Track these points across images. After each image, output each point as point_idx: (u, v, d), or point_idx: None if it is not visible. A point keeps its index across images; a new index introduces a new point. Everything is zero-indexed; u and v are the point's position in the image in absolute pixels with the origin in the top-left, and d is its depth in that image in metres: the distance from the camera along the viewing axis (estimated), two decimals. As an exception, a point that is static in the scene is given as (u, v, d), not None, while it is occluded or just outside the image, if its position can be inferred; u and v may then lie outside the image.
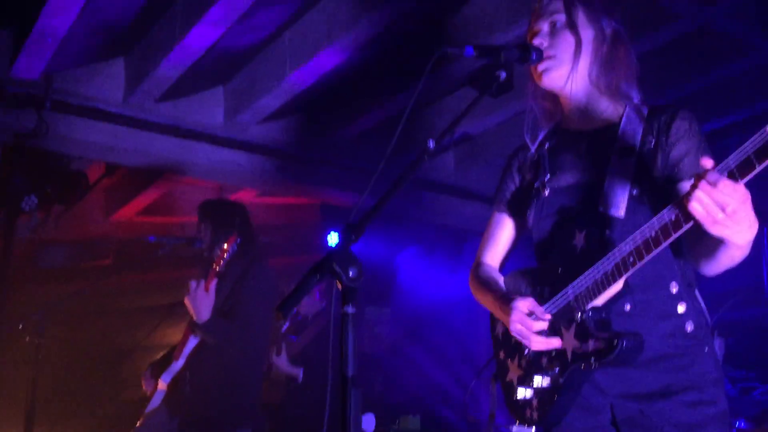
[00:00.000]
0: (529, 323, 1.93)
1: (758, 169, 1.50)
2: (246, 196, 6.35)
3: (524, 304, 1.95)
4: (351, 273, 1.59)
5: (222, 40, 4.20)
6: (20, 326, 4.53)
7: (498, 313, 2.09)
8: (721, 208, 1.55)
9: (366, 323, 7.68)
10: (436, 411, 6.55)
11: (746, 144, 1.51)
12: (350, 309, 1.59)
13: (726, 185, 1.53)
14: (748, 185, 1.57)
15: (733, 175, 1.53)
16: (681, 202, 1.63)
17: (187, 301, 3.57)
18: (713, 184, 1.53)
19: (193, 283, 3.54)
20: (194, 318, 3.57)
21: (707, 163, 1.57)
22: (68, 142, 4.76)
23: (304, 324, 5.16)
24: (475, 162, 6.02)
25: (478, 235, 2.43)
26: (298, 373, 4.96)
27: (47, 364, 4.77)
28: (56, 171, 4.89)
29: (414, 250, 7.33)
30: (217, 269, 3.55)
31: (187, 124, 5.00)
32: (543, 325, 1.94)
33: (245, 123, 5.10)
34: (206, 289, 3.52)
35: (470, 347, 6.57)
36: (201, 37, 4.03)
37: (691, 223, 1.63)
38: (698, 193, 1.56)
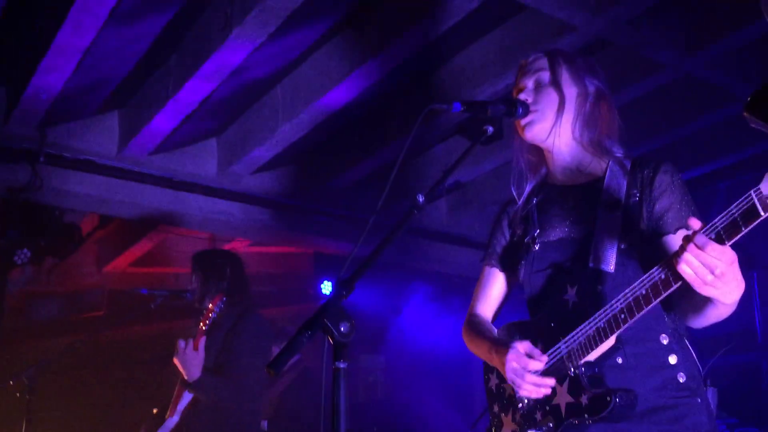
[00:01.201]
0: (525, 361, 1.92)
1: (744, 232, 1.54)
2: (239, 245, 6.36)
3: (522, 346, 1.96)
4: (343, 329, 1.59)
5: (215, 94, 4.26)
6: (10, 382, 4.48)
7: (492, 358, 2.07)
8: (710, 270, 1.58)
9: (360, 372, 7.62)
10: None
11: (732, 207, 1.55)
12: (342, 364, 1.60)
13: (714, 248, 1.56)
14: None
15: (720, 238, 1.57)
16: (670, 261, 1.67)
17: (176, 361, 3.55)
18: (701, 247, 1.57)
19: (181, 343, 3.52)
20: (185, 377, 3.54)
21: (695, 224, 1.60)
22: (62, 195, 4.79)
23: None
24: (468, 209, 6.07)
25: (473, 281, 2.44)
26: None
27: (39, 421, 4.70)
28: (49, 224, 4.90)
29: (408, 297, 7.32)
30: (204, 328, 3.55)
31: (181, 176, 5.04)
32: (539, 366, 1.93)
33: (238, 174, 5.15)
34: (195, 348, 3.51)
35: (464, 396, 6.52)
36: (194, 91, 4.10)
37: (680, 283, 1.66)
38: (687, 256, 1.59)
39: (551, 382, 1.91)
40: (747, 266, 4.36)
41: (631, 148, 2.17)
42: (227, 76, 3.99)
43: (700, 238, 1.57)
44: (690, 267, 1.60)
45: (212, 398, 3.60)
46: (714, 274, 1.58)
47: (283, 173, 5.43)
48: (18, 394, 4.45)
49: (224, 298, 3.61)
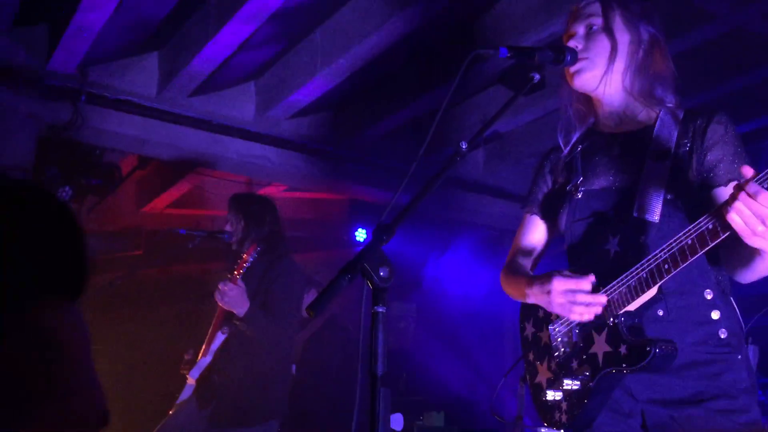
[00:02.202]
0: (573, 281, 1.87)
1: None
2: (275, 190, 6.39)
3: (566, 272, 1.92)
4: (382, 273, 1.59)
5: (254, 37, 4.23)
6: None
7: (532, 292, 2.01)
8: (762, 220, 1.54)
9: (391, 319, 7.70)
10: (460, 407, 6.55)
11: None
12: (381, 308, 1.60)
13: (766, 198, 1.51)
14: None
15: None
16: (719, 211, 1.62)
17: (222, 304, 3.61)
18: (753, 196, 1.52)
19: (221, 285, 3.57)
20: (236, 313, 3.60)
21: (747, 172, 1.55)
22: (102, 135, 4.84)
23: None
24: (505, 160, 6.00)
25: (508, 233, 2.43)
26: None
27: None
28: (90, 163, 4.96)
29: (442, 247, 7.32)
30: (238, 276, 3.59)
31: (219, 119, 5.05)
32: (587, 285, 1.87)
33: (276, 118, 5.14)
34: (235, 283, 3.57)
35: (495, 345, 6.55)
36: (233, 33, 4.06)
37: (728, 233, 1.62)
38: (738, 204, 1.55)
39: (603, 298, 1.85)
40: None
41: (683, 99, 2.10)
42: (267, 18, 3.95)
43: (753, 187, 1.53)
44: (740, 216, 1.55)
45: (258, 332, 3.67)
46: (765, 224, 1.54)
47: (320, 119, 5.41)
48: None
49: (258, 248, 3.65)
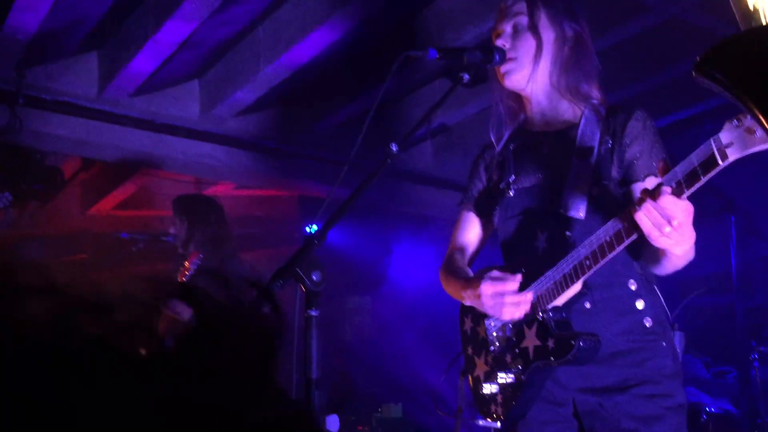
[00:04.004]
0: (500, 283, 1.95)
1: (703, 180, 1.56)
2: (223, 188, 6.35)
3: (495, 272, 1.99)
4: (314, 277, 1.62)
5: (195, 34, 4.19)
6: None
7: (467, 294, 2.08)
8: (668, 220, 1.61)
9: (347, 313, 7.72)
10: (418, 399, 6.61)
11: (692, 155, 1.56)
12: (314, 312, 1.62)
13: (669, 200, 1.60)
14: (717, 175, 1.61)
15: (681, 186, 1.59)
16: (630, 210, 1.70)
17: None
18: (658, 198, 1.60)
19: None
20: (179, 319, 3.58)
21: (650, 183, 1.63)
22: (42, 138, 4.74)
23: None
24: (453, 152, 6.05)
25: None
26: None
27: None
28: (31, 167, 4.86)
29: (394, 240, 7.37)
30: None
31: (163, 118, 4.98)
32: (514, 286, 1.94)
33: (221, 116, 5.10)
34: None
35: (447, 338, 6.62)
36: (174, 31, 4.02)
37: (638, 233, 1.70)
38: (646, 206, 1.62)
39: (529, 296, 1.93)
40: (725, 209, 4.41)
41: (614, 91, 2.17)
42: (207, 16, 3.91)
43: (658, 189, 1.60)
44: (648, 216, 1.62)
45: None
46: (671, 224, 1.61)
47: (266, 116, 5.38)
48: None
49: (200, 255, 3.62)
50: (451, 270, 2.26)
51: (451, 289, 2.23)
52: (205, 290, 3.57)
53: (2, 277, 0.85)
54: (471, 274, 2.23)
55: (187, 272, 3.61)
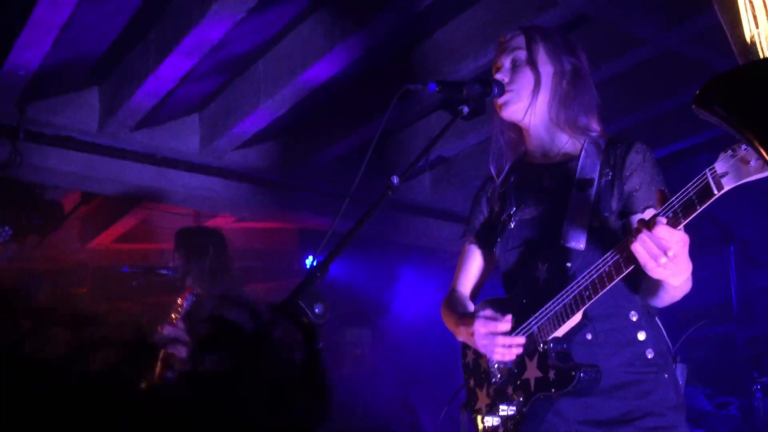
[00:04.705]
0: (492, 325, 1.98)
1: (699, 210, 1.57)
2: (223, 221, 6.35)
3: (486, 312, 2.02)
4: (317, 310, 1.61)
5: (196, 69, 4.23)
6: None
7: (461, 331, 2.12)
8: (663, 251, 1.62)
9: (347, 345, 7.68)
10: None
11: (689, 186, 1.58)
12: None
13: (665, 231, 1.61)
14: (714, 204, 1.63)
15: (677, 216, 1.60)
16: (627, 242, 1.71)
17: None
18: (654, 228, 1.62)
19: (160, 328, 3.51)
20: (176, 355, 3.54)
21: (649, 213, 1.65)
22: (43, 172, 4.75)
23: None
24: (451, 183, 6.07)
25: (457, 255, 2.48)
26: None
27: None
28: (30, 201, 4.87)
29: (394, 272, 7.36)
30: (176, 318, 3.53)
31: (163, 152, 5.01)
32: (505, 327, 1.97)
33: (221, 150, 5.12)
34: (174, 326, 3.50)
35: (449, 370, 6.58)
36: (175, 67, 4.06)
37: (635, 264, 1.72)
38: (641, 236, 1.64)
39: (521, 340, 1.95)
40: (724, 240, 4.42)
41: (611, 123, 2.19)
42: (208, 51, 3.95)
43: (653, 220, 1.62)
44: (644, 247, 1.63)
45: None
46: (667, 255, 1.62)
47: (266, 149, 5.40)
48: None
49: (195, 291, 3.58)
50: (450, 304, 2.29)
51: (448, 324, 2.26)
52: (232, 322, 3.52)
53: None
54: (470, 308, 2.25)
55: (180, 308, 3.56)
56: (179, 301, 3.57)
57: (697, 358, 4.00)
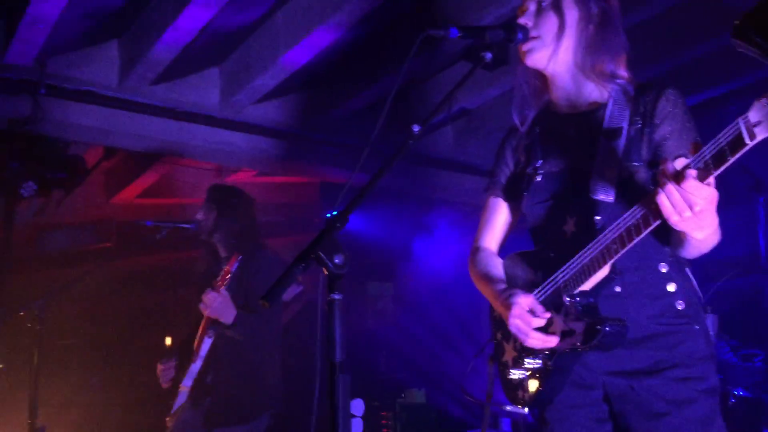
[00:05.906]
0: (528, 319, 1.92)
1: (731, 161, 1.51)
2: (245, 175, 6.35)
3: (525, 301, 1.94)
4: (337, 260, 1.59)
5: (215, 21, 4.17)
6: (21, 313, 4.55)
7: (497, 306, 2.08)
8: (689, 206, 1.56)
9: (368, 299, 7.72)
10: (441, 385, 6.61)
11: (720, 135, 1.51)
12: (337, 296, 1.60)
13: (693, 185, 1.54)
14: (745, 153, 1.56)
15: (708, 167, 1.54)
16: (656, 193, 1.64)
17: (207, 313, 3.57)
18: (682, 181, 1.55)
19: (204, 296, 3.52)
20: (224, 322, 3.57)
21: (680, 163, 1.57)
22: (64, 127, 4.76)
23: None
24: (474, 136, 5.99)
25: (479, 208, 2.42)
26: None
27: (50, 350, 4.79)
28: (54, 156, 4.88)
29: (417, 225, 7.34)
30: (222, 286, 3.53)
31: (183, 106, 4.99)
32: (541, 322, 1.93)
33: (241, 103, 5.08)
34: (219, 292, 3.52)
35: (470, 321, 6.61)
36: (193, 17, 4.00)
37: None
38: (668, 188, 1.58)
39: (554, 341, 1.91)
40: (755, 190, 4.32)
41: (640, 70, 2.10)
42: (226, 2, 3.89)
43: (682, 173, 1.55)
44: (670, 199, 1.58)
45: (247, 335, 3.65)
46: (693, 210, 1.57)
47: (286, 102, 5.35)
48: (29, 324, 4.53)
49: (240, 257, 3.58)
50: (481, 270, 2.22)
51: (480, 286, 2.21)
52: None
53: None
54: (500, 269, 2.18)
55: (227, 275, 3.55)
56: (226, 268, 3.57)
57: (723, 310, 3.95)
